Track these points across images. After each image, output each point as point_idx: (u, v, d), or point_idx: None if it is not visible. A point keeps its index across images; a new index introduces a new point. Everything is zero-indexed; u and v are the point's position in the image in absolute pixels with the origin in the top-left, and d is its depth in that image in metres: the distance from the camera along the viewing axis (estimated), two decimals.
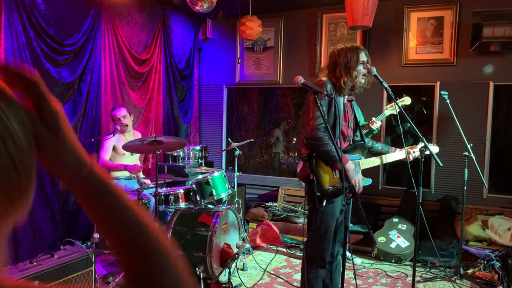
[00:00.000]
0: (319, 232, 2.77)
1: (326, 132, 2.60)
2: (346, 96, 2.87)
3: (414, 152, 2.97)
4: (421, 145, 3.01)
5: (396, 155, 3.01)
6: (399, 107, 2.94)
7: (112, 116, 4.39)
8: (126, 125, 4.28)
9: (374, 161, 2.94)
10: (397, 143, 3.18)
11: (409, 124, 2.82)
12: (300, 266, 4.18)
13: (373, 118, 3.64)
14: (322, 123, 2.60)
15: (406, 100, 3.72)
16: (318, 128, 2.63)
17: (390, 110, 3.76)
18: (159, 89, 5.60)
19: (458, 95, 4.83)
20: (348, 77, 2.75)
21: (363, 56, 2.79)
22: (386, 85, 2.77)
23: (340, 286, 2.52)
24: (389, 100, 5.20)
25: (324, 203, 2.66)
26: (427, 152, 2.89)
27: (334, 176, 2.72)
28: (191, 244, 3.59)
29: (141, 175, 4.64)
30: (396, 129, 5.45)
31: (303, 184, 2.86)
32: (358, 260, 4.47)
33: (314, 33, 5.66)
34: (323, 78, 2.78)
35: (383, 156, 3.00)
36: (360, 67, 2.77)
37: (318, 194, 2.66)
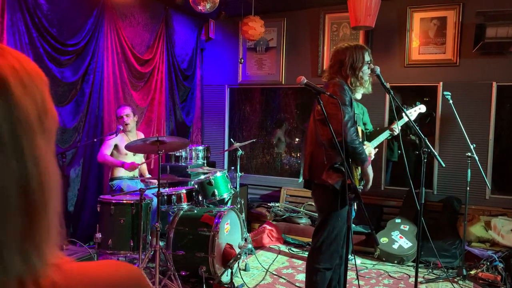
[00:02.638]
0: (331, 236, 2.76)
1: (356, 132, 2.61)
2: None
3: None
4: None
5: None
6: (401, 108, 2.94)
7: (116, 113, 4.42)
8: (127, 124, 4.29)
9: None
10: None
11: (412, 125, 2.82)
12: (302, 266, 4.19)
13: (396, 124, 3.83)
14: (354, 125, 2.61)
15: (422, 108, 3.67)
16: (353, 130, 2.61)
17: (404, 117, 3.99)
18: (161, 89, 5.61)
19: (461, 95, 4.81)
20: (354, 77, 2.74)
21: (367, 56, 2.79)
22: (387, 85, 2.76)
23: (342, 286, 2.51)
24: (390, 101, 5.19)
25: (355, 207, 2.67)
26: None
27: (358, 177, 2.72)
28: (193, 244, 3.60)
29: (147, 174, 4.65)
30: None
31: (326, 188, 2.67)
32: (357, 260, 4.47)
33: (317, 33, 5.66)
34: (338, 79, 2.74)
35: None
36: (365, 67, 2.77)
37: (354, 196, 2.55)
